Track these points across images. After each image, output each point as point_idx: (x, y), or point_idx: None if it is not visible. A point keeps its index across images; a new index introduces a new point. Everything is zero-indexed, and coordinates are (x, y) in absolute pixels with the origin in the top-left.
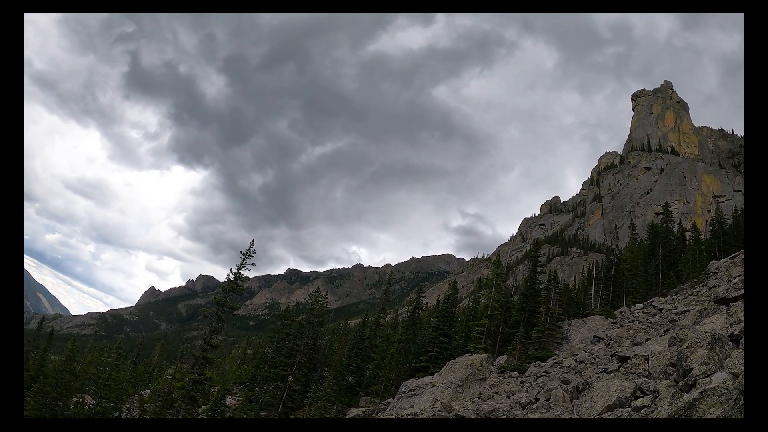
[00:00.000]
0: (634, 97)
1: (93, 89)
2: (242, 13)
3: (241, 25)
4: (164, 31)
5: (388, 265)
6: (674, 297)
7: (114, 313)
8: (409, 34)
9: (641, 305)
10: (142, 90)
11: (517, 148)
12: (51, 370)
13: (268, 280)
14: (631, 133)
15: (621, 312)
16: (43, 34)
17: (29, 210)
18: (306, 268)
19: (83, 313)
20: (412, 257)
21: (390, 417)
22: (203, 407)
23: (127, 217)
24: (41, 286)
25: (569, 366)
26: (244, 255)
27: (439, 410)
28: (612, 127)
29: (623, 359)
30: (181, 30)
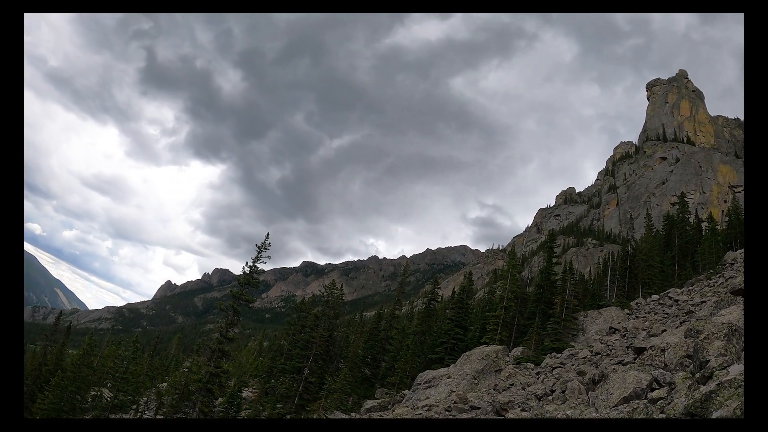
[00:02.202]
0: (649, 87)
1: (109, 86)
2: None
3: (257, 21)
4: (181, 27)
5: (404, 257)
6: (690, 288)
7: (131, 308)
8: (425, 28)
9: (657, 296)
10: (158, 85)
11: (536, 140)
12: (69, 364)
13: (283, 273)
14: (646, 122)
15: (637, 303)
16: (56, 32)
17: (47, 207)
18: (322, 261)
19: (100, 307)
20: (427, 249)
21: (406, 408)
22: (220, 400)
23: (145, 213)
24: (58, 281)
25: (585, 357)
26: (259, 248)
27: (455, 402)
28: (632, 119)
29: (639, 351)
30: (197, 26)
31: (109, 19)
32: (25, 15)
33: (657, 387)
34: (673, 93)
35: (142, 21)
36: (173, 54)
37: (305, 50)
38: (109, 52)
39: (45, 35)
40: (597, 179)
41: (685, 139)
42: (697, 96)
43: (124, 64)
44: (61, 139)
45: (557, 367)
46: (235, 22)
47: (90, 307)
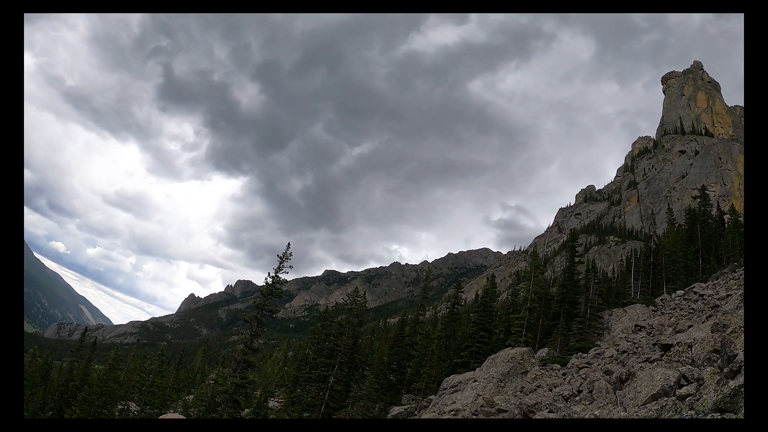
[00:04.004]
0: (665, 80)
1: (128, 104)
2: (275, 23)
3: (274, 34)
4: (197, 43)
5: (426, 262)
6: (715, 282)
7: (155, 321)
8: (442, 33)
9: (682, 292)
10: (177, 101)
11: (557, 140)
12: (95, 379)
13: (306, 282)
14: (663, 116)
15: (662, 299)
16: (72, 52)
17: (70, 226)
18: (345, 269)
19: (125, 322)
20: (449, 253)
21: (432, 414)
22: (246, 410)
23: (168, 228)
24: (83, 298)
25: (611, 356)
26: (281, 258)
27: (482, 405)
28: (652, 113)
29: (666, 347)
30: (214, 41)
31: (125, 38)
32: (40, 37)
33: (685, 383)
34: (688, 85)
35: (159, 38)
36: (190, 69)
37: (321, 60)
38: (127, 70)
39: (61, 56)
40: (616, 176)
41: (703, 131)
42: (714, 87)
43: (142, 82)
44: (83, 159)
45: (584, 367)
46: (252, 36)
47: (115, 323)
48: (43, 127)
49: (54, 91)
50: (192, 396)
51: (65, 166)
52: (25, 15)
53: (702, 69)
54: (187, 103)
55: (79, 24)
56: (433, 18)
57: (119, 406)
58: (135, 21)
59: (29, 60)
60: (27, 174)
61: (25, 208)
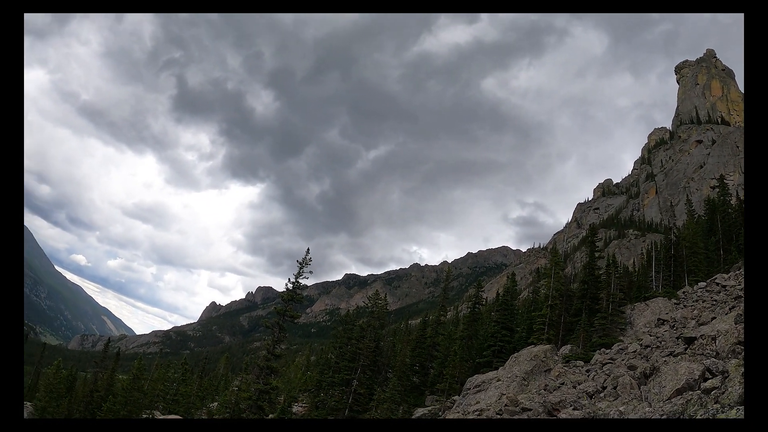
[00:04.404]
0: (678, 69)
1: (144, 116)
2: (286, 30)
3: (286, 42)
4: (209, 53)
5: (445, 262)
6: (737, 272)
7: (177, 330)
8: (453, 33)
9: (704, 283)
10: (192, 111)
11: (572, 136)
12: (120, 389)
13: (326, 287)
14: (678, 106)
15: (684, 292)
16: (86, 67)
17: (91, 239)
18: (365, 272)
19: (148, 332)
20: (468, 253)
21: (457, 414)
22: (271, 416)
23: (187, 238)
24: (105, 309)
25: (634, 351)
26: (300, 264)
27: (506, 405)
28: (668, 105)
29: (689, 340)
30: (227, 51)
31: (138, 51)
32: (53, 54)
33: (710, 377)
34: (702, 74)
35: (172, 50)
36: (204, 79)
37: (334, 65)
38: (141, 83)
39: (74, 71)
40: (634, 168)
41: (719, 120)
42: (728, 74)
43: (156, 94)
44: (101, 172)
45: (607, 363)
46: (264, 43)
47: (137, 333)
48: (61, 143)
49: (69, 106)
50: (216, 403)
51: (84, 180)
52: (36, 32)
53: (715, 57)
54: (202, 112)
55: (91, 39)
56: (443, 18)
57: (144, 415)
58: (147, 34)
59: (43, 77)
60: (46, 189)
61: (45, 222)
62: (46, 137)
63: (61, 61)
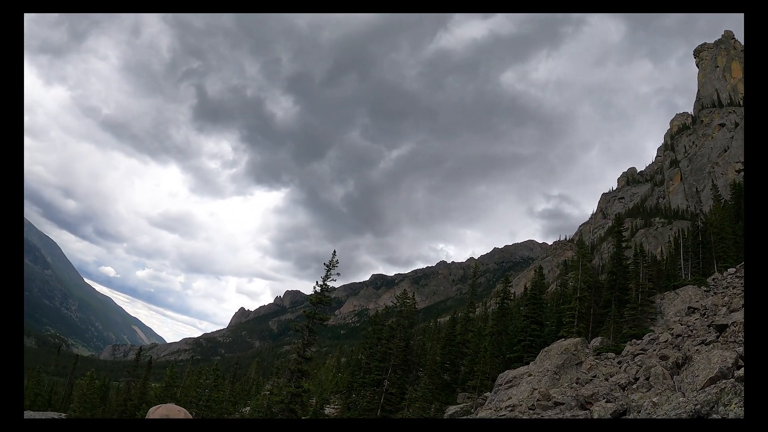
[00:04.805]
0: (697, 53)
1: (165, 127)
2: (302, 35)
3: (303, 46)
4: (228, 61)
5: (472, 258)
6: None
7: (208, 337)
8: (469, 28)
9: (734, 269)
10: (213, 120)
11: (594, 125)
12: (152, 397)
13: (354, 288)
14: (699, 90)
15: (713, 279)
16: (105, 82)
17: (118, 250)
18: (392, 272)
19: (178, 340)
20: (494, 248)
21: (489, 411)
22: (303, 419)
23: (214, 245)
24: (135, 319)
25: (666, 341)
26: (327, 266)
27: (538, 399)
28: (689, 89)
29: (721, 328)
30: (245, 58)
31: (156, 64)
32: (72, 71)
33: (743, 364)
34: (722, 56)
35: (190, 60)
36: (223, 87)
37: (351, 67)
38: (161, 94)
39: (94, 86)
40: (657, 156)
41: (740, 102)
42: None
43: (177, 104)
44: (126, 184)
45: (639, 354)
46: (281, 49)
47: (168, 341)
48: (85, 158)
49: (91, 121)
50: (248, 408)
51: (109, 193)
52: (54, 50)
53: (734, 38)
54: (223, 120)
55: (109, 54)
56: (459, 14)
57: None
58: (164, 46)
59: (63, 94)
60: (72, 204)
61: (72, 236)
62: (70, 153)
63: (80, 77)
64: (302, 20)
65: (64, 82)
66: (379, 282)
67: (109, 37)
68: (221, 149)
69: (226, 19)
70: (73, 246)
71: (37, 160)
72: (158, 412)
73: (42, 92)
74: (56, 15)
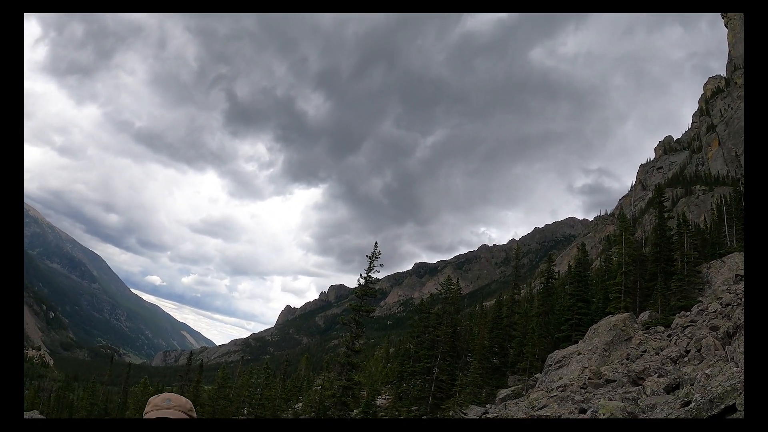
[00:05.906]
0: (724, 13)
1: (199, 135)
2: (327, 32)
3: (328, 44)
4: (255, 64)
5: (513, 240)
6: None
7: (256, 337)
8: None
9: None
10: (246, 122)
11: (628, 95)
12: (206, 399)
13: (397, 278)
14: (730, 51)
15: None
16: (135, 96)
17: (163, 259)
18: (434, 259)
19: (227, 341)
20: (535, 228)
21: (540, 392)
22: (355, 411)
23: (257, 247)
24: (184, 324)
25: (715, 311)
26: (370, 258)
27: (589, 378)
28: (723, 51)
29: None
30: (270, 59)
31: (185, 74)
32: (101, 87)
33: None
34: None
35: (218, 67)
36: (253, 89)
37: (378, 58)
38: (192, 103)
39: (125, 101)
40: (693, 121)
41: None
42: None
43: (208, 111)
44: (165, 194)
45: (688, 326)
46: (308, 48)
47: (217, 343)
48: (122, 171)
49: (125, 135)
50: (301, 404)
51: (150, 204)
52: (83, 70)
53: None
54: (256, 123)
55: (136, 68)
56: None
57: None
58: (191, 56)
59: (95, 111)
60: (114, 218)
61: (116, 249)
62: (108, 168)
63: (110, 93)
64: (326, 17)
65: (95, 99)
66: (422, 270)
67: (136, 52)
68: (257, 151)
69: (249, 22)
70: (118, 258)
71: (78, 178)
72: (160, 398)
73: (75, 112)
74: (80, 36)
